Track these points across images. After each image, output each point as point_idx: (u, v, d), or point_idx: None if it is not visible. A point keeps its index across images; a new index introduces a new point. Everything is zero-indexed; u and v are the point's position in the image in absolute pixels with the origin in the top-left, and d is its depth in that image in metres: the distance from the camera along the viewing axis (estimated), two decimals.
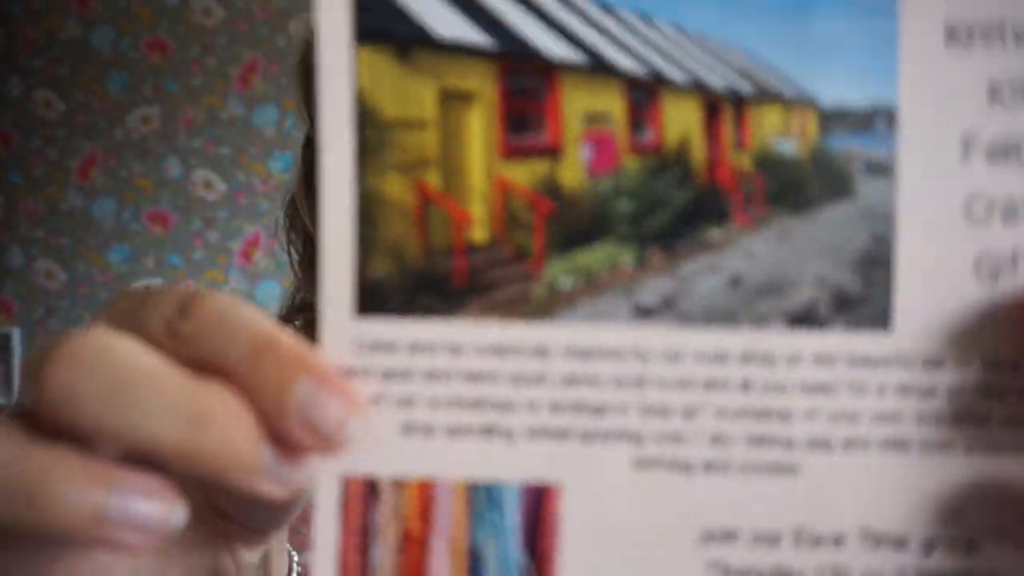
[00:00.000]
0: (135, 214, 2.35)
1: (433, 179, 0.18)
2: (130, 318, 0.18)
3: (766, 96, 0.18)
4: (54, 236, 2.30)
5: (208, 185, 2.31)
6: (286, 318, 0.63)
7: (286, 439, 0.17)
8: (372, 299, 0.18)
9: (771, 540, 0.19)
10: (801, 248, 0.18)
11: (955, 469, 0.18)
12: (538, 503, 0.19)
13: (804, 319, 0.18)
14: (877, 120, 0.18)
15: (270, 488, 0.17)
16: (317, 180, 0.17)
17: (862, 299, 0.18)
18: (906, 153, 0.18)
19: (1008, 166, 0.18)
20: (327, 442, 0.17)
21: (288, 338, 0.17)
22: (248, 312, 0.17)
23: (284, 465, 0.17)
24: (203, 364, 0.17)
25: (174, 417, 0.16)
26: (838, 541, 0.18)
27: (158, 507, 0.16)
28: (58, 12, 2.32)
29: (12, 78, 2.34)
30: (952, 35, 0.18)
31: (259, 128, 2.32)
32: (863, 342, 0.18)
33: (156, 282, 2.32)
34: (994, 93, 0.18)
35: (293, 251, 0.60)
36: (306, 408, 0.16)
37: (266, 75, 2.30)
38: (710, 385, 0.18)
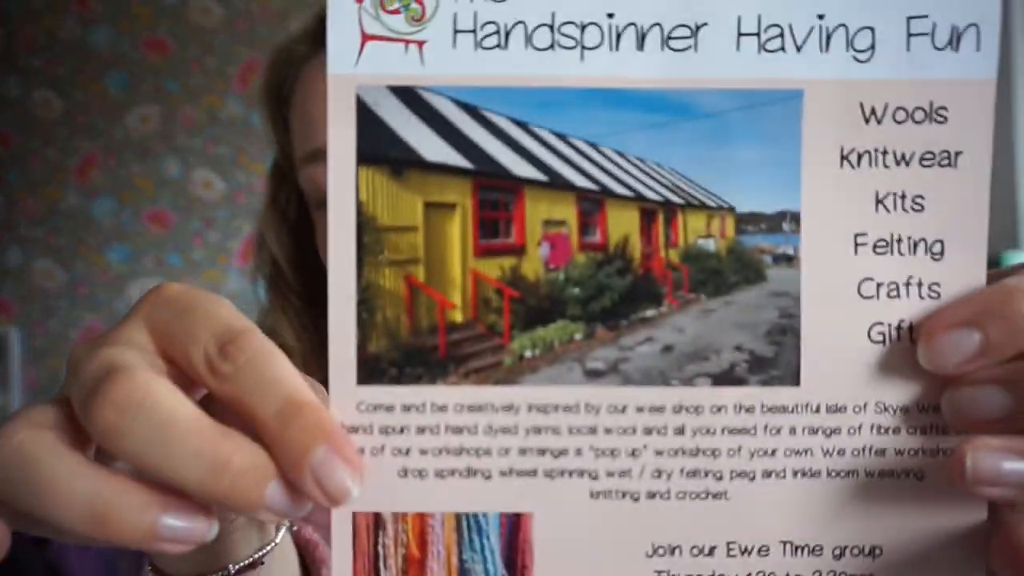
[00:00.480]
0: (134, 214, 2.32)
1: (420, 273, 0.22)
2: (172, 340, 0.21)
3: (692, 205, 0.22)
4: (53, 236, 2.29)
5: (207, 185, 2.29)
6: None
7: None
8: (371, 370, 0.22)
9: (708, 552, 0.23)
10: (721, 323, 0.22)
11: (857, 491, 0.23)
12: (515, 529, 0.23)
13: (726, 378, 0.22)
14: (784, 223, 0.22)
15: (271, 518, 0.21)
16: (321, 246, 0.22)
17: (774, 361, 0.22)
18: (807, 248, 0.22)
19: (891, 257, 0.22)
20: (331, 500, 0.20)
21: (313, 401, 0.20)
22: (281, 366, 0.21)
23: (289, 499, 0.20)
24: (234, 406, 0.21)
25: (199, 464, 0.20)
26: (763, 551, 0.23)
27: (198, 525, 0.20)
28: (57, 11, 2.30)
29: (11, 78, 2.31)
30: (845, 157, 0.22)
31: (259, 128, 2.29)
32: (776, 394, 0.22)
33: (155, 283, 2.34)
34: (878, 202, 0.22)
35: (261, 278, 0.62)
36: (319, 471, 0.20)
37: None
38: (649, 431, 0.22)
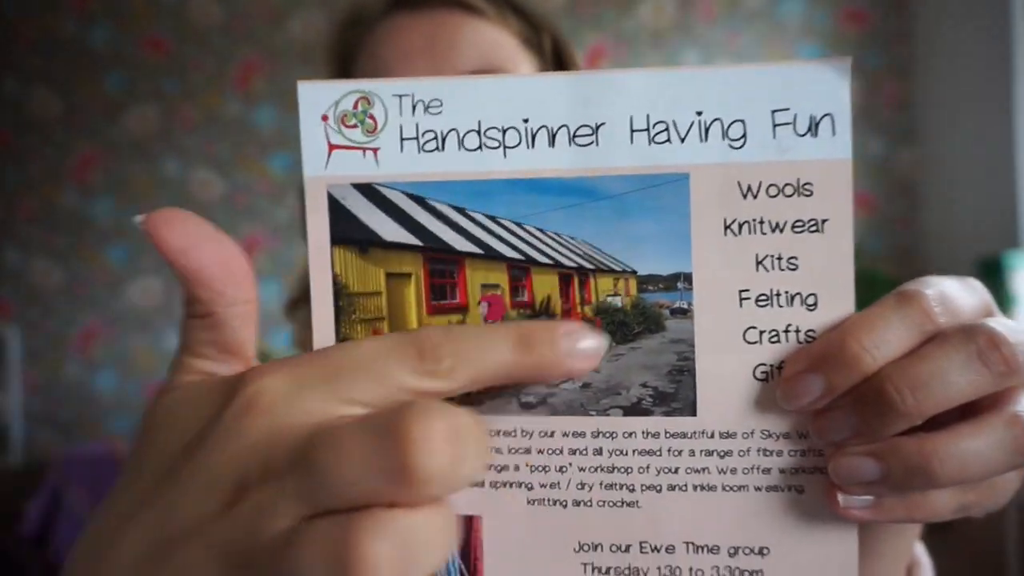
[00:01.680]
0: (133, 214, 2.33)
1: (385, 327, 0.27)
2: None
3: (601, 270, 0.27)
4: (51, 235, 2.33)
5: (206, 184, 2.32)
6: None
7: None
8: None
9: (624, 549, 0.27)
10: (629, 365, 0.27)
11: (747, 502, 0.27)
12: (469, 529, 0.28)
13: (635, 410, 0.27)
14: (678, 282, 0.27)
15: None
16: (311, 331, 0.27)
17: (674, 396, 0.27)
18: (699, 303, 0.27)
19: (772, 308, 0.27)
20: (591, 359, 0.24)
21: (528, 323, 0.24)
22: (473, 327, 0.24)
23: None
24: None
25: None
26: (669, 549, 0.27)
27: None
28: (55, 10, 2.31)
29: (9, 77, 2.32)
30: (728, 227, 0.27)
31: (258, 127, 2.33)
32: (677, 423, 0.27)
33: (155, 283, 2.30)
34: (759, 263, 0.27)
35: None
36: (573, 351, 0.24)
37: (264, 74, 2.31)
38: (573, 451, 0.27)
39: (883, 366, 0.24)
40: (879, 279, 2.13)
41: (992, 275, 1.77)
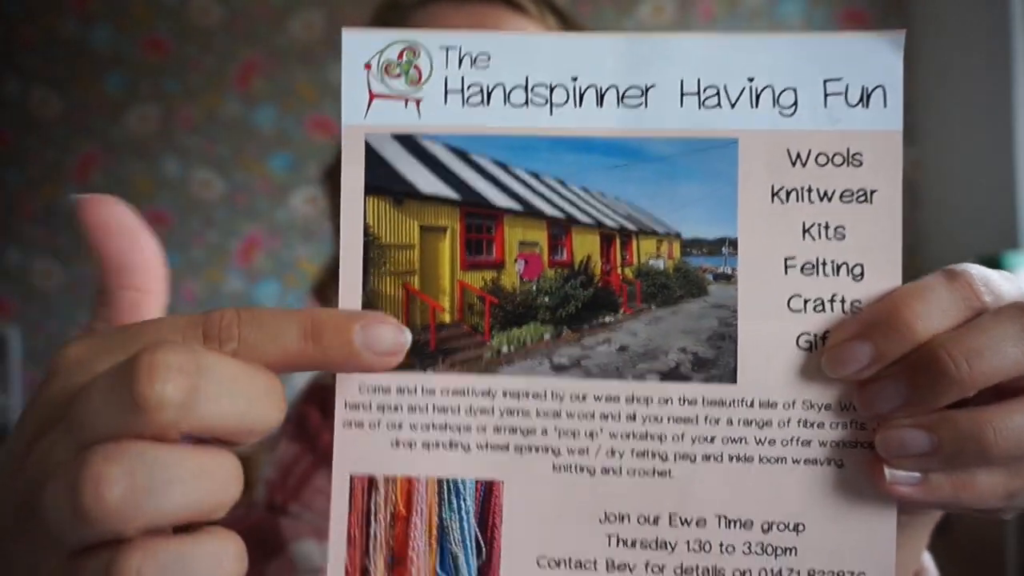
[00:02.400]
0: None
1: (415, 282, 0.26)
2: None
3: (644, 232, 0.27)
4: (52, 236, 2.29)
5: (207, 184, 2.29)
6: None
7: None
8: None
9: (653, 521, 0.26)
10: (669, 329, 0.27)
11: (785, 475, 0.26)
12: (488, 494, 0.27)
13: (672, 375, 0.26)
14: (723, 247, 0.26)
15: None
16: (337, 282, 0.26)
17: (714, 362, 0.26)
18: (743, 269, 0.26)
19: (817, 278, 0.26)
20: (391, 355, 0.24)
21: (323, 311, 0.24)
22: (271, 311, 0.23)
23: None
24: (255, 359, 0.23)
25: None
26: (700, 523, 0.26)
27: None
28: (56, 11, 2.28)
29: (10, 77, 2.30)
30: (775, 194, 0.26)
31: (258, 127, 2.29)
32: (716, 390, 0.26)
33: None
34: (805, 231, 0.26)
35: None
36: (369, 343, 0.24)
37: (265, 74, 2.28)
38: (605, 416, 0.26)
39: (934, 336, 0.24)
40: None
41: None
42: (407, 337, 0.24)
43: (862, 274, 0.26)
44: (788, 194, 0.26)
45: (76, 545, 0.21)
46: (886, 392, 0.25)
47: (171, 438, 0.21)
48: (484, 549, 0.26)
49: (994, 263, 1.78)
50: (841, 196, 0.26)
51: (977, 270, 0.25)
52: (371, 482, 0.27)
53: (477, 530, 0.27)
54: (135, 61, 2.32)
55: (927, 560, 0.40)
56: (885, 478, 0.25)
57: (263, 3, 2.31)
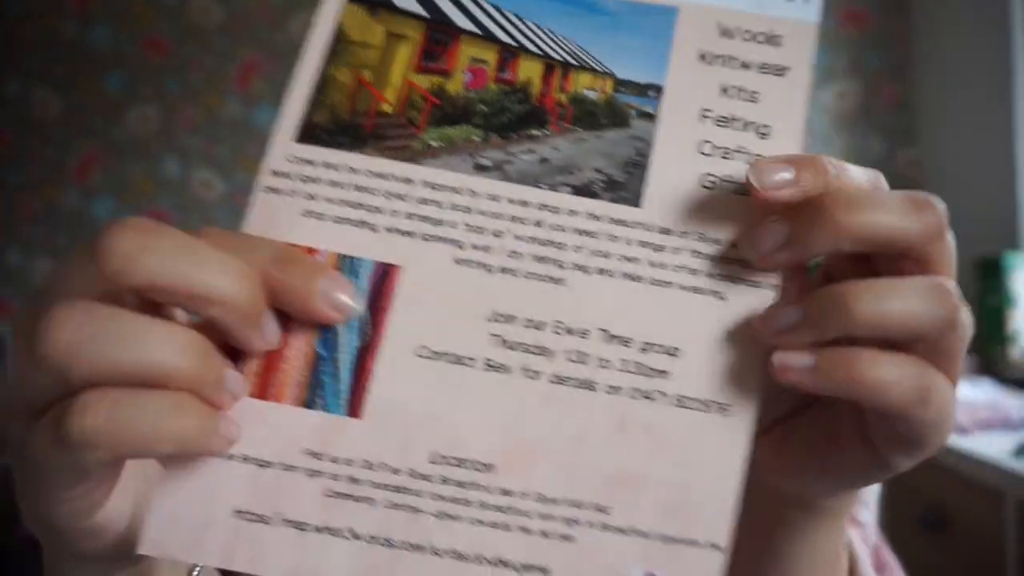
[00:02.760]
0: (134, 214, 2.24)
1: (368, 76, 0.29)
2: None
3: (584, 67, 0.29)
4: (52, 236, 2.26)
5: (207, 185, 2.27)
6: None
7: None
8: (308, 134, 0.28)
9: (537, 326, 0.26)
10: (589, 150, 0.28)
11: (669, 299, 0.26)
12: (384, 277, 0.26)
13: (584, 191, 0.27)
14: (649, 91, 0.29)
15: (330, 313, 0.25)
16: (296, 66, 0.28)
17: (624, 185, 0.27)
18: (664, 111, 0.28)
19: (728, 130, 0.28)
20: (343, 314, 0.25)
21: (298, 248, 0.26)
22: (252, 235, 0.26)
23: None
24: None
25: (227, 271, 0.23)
26: (583, 334, 0.26)
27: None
28: (56, 11, 2.31)
29: (10, 77, 2.31)
30: (702, 57, 0.29)
31: (258, 128, 2.30)
32: (622, 210, 0.27)
33: None
34: (724, 90, 0.29)
35: None
36: (328, 295, 0.25)
37: (265, 75, 2.29)
38: (514, 219, 0.27)
39: (829, 192, 0.25)
40: None
41: (992, 275, 1.68)
42: (360, 308, 0.26)
43: (768, 134, 0.28)
44: (714, 59, 0.29)
45: (37, 402, 0.22)
46: (772, 229, 0.25)
47: (127, 303, 0.23)
48: (369, 332, 0.26)
49: (994, 263, 1.65)
50: (760, 68, 0.29)
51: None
52: None
53: (366, 311, 0.26)
54: (135, 61, 2.31)
55: (857, 549, 0.38)
56: (774, 362, 0.24)
57: (263, 3, 2.32)
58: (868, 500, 0.52)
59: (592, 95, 0.29)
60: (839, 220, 0.24)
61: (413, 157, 0.28)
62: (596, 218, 0.27)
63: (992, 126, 2.00)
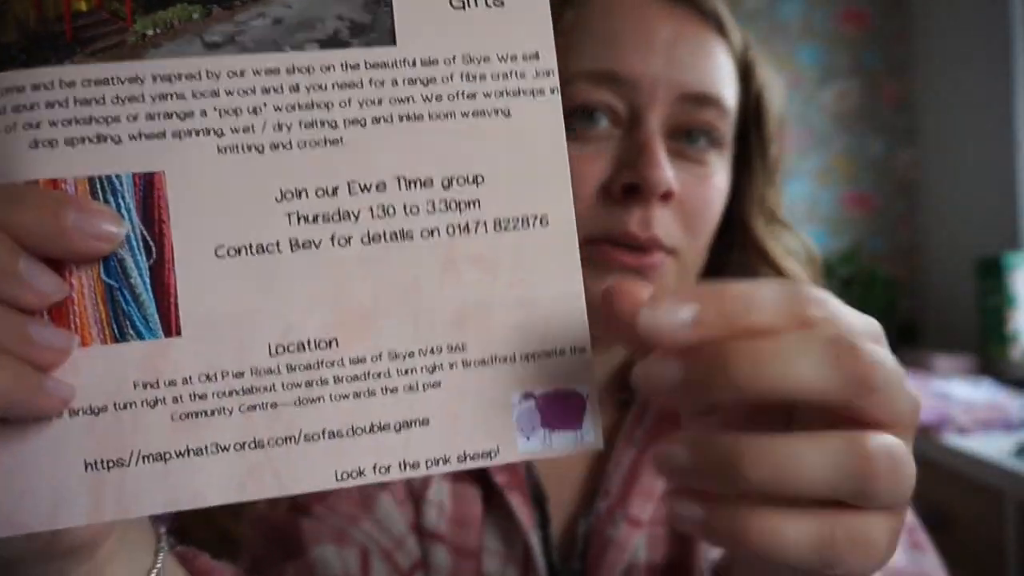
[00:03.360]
0: None
1: None
2: None
3: None
4: None
5: None
6: None
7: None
8: (2, 59, 0.24)
9: (331, 192, 0.25)
10: None
11: (456, 129, 0.25)
12: (148, 187, 0.24)
13: (331, 42, 0.25)
14: None
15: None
16: None
17: (371, 27, 0.25)
18: None
19: None
20: (106, 240, 0.23)
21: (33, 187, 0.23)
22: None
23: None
24: None
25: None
26: (380, 187, 0.25)
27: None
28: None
29: None
30: None
31: None
32: (377, 53, 0.25)
33: None
34: None
35: None
36: (82, 228, 0.23)
37: None
38: (267, 90, 0.24)
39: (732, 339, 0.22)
40: (879, 278, 2.07)
41: (992, 275, 1.74)
42: (124, 228, 0.23)
43: None
44: None
45: None
46: (661, 369, 0.22)
47: None
48: (154, 247, 0.24)
49: (994, 263, 1.81)
50: None
51: (824, 294, 0.23)
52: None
53: (142, 227, 0.24)
54: None
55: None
56: (668, 507, 0.23)
57: None
58: None
59: None
60: (739, 376, 0.21)
61: (132, 53, 0.24)
62: (354, 68, 0.25)
63: (992, 126, 1.92)
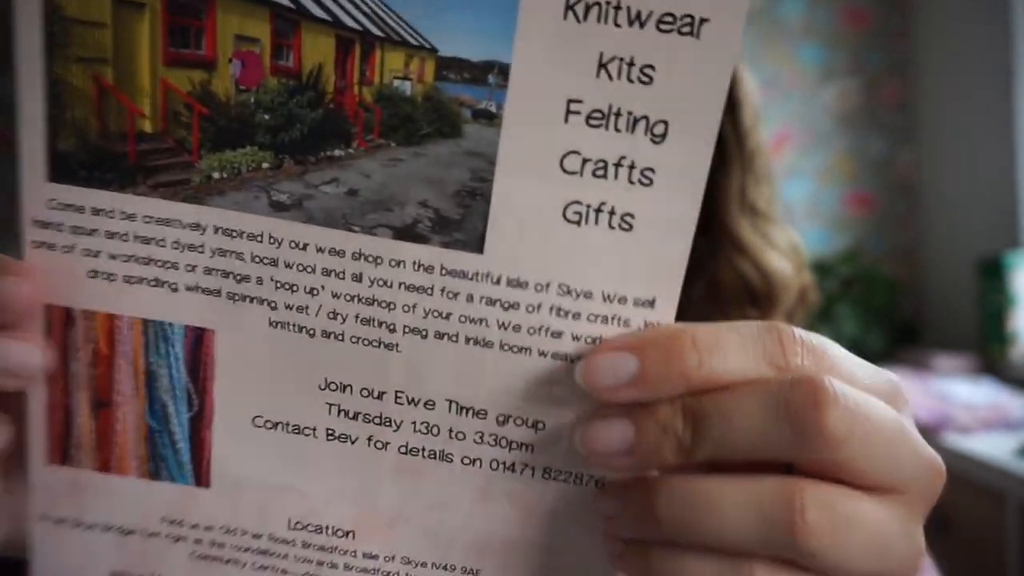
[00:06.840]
0: None
1: (108, 74, 0.21)
2: None
3: (391, 40, 0.21)
4: None
5: None
6: None
7: None
8: (61, 169, 0.22)
9: (377, 395, 0.23)
10: (409, 174, 0.21)
11: (528, 367, 0.22)
12: (198, 342, 0.23)
13: (407, 233, 0.22)
14: (490, 75, 0.20)
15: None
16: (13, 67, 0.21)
17: (460, 224, 0.21)
18: (512, 107, 0.20)
19: (605, 132, 0.20)
20: (22, 374, 0.22)
21: None
22: None
23: None
24: None
25: None
26: (429, 405, 0.23)
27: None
28: None
29: (9, 77, 2.22)
30: (571, 7, 0.20)
31: None
32: (459, 258, 0.21)
33: None
34: (601, 66, 0.20)
35: None
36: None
37: None
38: (328, 272, 0.22)
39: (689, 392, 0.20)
40: (879, 279, 2.08)
41: (992, 275, 1.74)
42: (37, 361, 0.22)
43: (664, 135, 0.20)
44: (588, 9, 0.19)
45: None
46: (607, 430, 0.20)
47: None
48: (196, 401, 0.24)
49: (994, 263, 1.79)
50: (659, 22, 0.19)
51: (817, 339, 0.20)
52: (68, 315, 0.23)
53: (188, 379, 0.23)
54: None
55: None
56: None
57: None
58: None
59: (406, 88, 0.21)
60: (680, 438, 0.20)
61: (196, 195, 0.22)
62: (427, 269, 0.22)
63: (992, 126, 1.84)
